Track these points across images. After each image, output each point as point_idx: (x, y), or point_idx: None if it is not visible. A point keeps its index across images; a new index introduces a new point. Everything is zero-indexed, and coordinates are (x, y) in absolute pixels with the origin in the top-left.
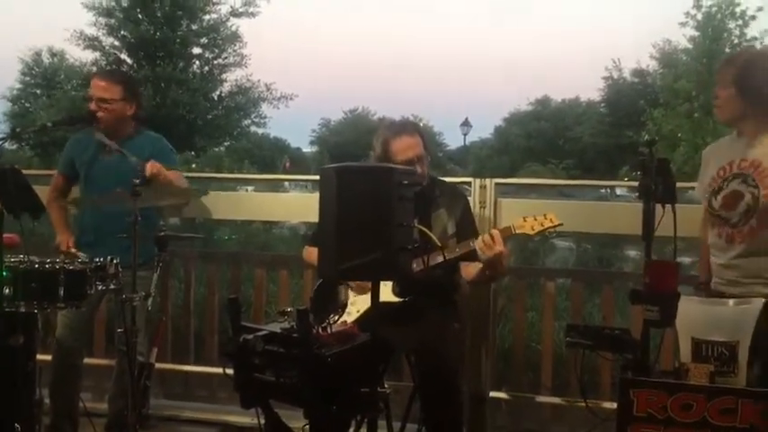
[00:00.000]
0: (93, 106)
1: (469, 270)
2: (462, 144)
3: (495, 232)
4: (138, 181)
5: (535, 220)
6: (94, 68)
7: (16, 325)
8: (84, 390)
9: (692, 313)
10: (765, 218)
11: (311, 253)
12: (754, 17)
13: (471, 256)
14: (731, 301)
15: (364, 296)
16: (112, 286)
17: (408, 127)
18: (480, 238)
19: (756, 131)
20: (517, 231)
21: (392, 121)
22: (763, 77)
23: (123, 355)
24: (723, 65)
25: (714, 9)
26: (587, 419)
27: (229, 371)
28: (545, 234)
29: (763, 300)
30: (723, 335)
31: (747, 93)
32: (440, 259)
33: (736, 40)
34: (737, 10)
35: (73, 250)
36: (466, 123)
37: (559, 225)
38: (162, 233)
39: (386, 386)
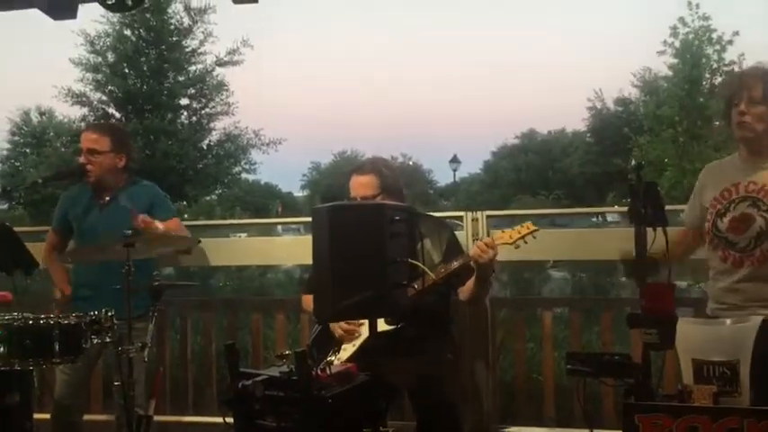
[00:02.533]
0: (82, 159)
1: (465, 288)
2: (452, 180)
3: (488, 239)
4: (129, 231)
5: (513, 230)
6: (83, 124)
7: (11, 383)
8: None
9: (690, 334)
10: None
11: (309, 300)
12: (731, 42)
13: (461, 273)
14: (729, 321)
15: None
16: (108, 339)
17: (366, 167)
18: (475, 245)
19: (766, 155)
20: (497, 242)
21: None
22: None
23: (122, 408)
24: (749, 83)
25: (691, 36)
26: None
27: (229, 419)
28: (524, 241)
29: (761, 317)
30: (723, 355)
31: None
32: (429, 281)
33: (714, 65)
34: (714, 36)
35: (67, 293)
36: (455, 160)
37: (535, 230)
38: (157, 283)
39: (388, 426)
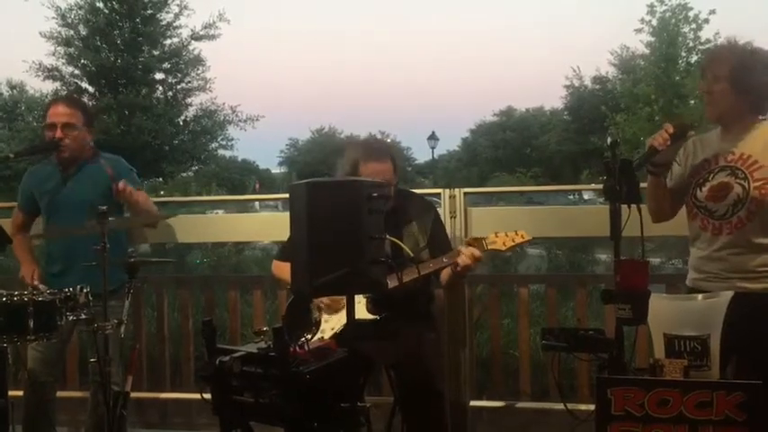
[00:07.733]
0: (58, 133)
1: (444, 273)
2: (431, 157)
3: (475, 250)
4: (104, 208)
5: (506, 235)
6: None
7: None
8: (59, 423)
9: (662, 310)
10: (754, 210)
11: (280, 267)
12: (707, 20)
13: (444, 269)
14: (700, 296)
15: (337, 315)
16: (83, 316)
17: (380, 152)
18: (464, 251)
19: (744, 127)
20: (489, 247)
21: (365, 141)
22: (758, 75)
23: (98, 385)
24: (712, 61)
25: (668, 14)
26: (567, 422)
27: (207, 395)
28: (516, 250)
29: (731, 293)
30: (694, 329)
31: (742, 89)
32: (414, 275)
33: (691, 44)
34: (690, 14)
35: (36, 283)
36: (433, 137)
37: (530, 240)
38: (132, 259)
39: (366, 401)
